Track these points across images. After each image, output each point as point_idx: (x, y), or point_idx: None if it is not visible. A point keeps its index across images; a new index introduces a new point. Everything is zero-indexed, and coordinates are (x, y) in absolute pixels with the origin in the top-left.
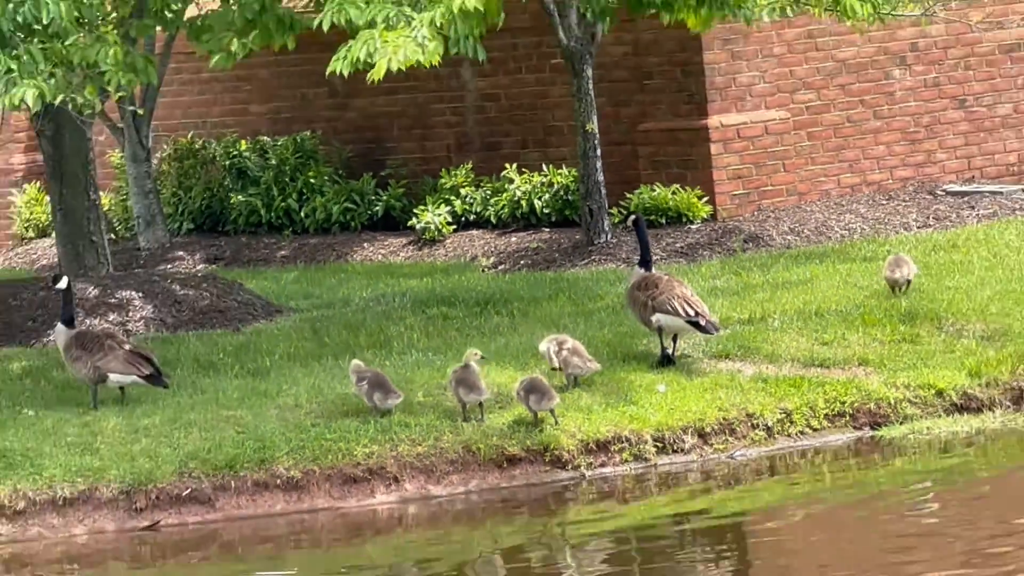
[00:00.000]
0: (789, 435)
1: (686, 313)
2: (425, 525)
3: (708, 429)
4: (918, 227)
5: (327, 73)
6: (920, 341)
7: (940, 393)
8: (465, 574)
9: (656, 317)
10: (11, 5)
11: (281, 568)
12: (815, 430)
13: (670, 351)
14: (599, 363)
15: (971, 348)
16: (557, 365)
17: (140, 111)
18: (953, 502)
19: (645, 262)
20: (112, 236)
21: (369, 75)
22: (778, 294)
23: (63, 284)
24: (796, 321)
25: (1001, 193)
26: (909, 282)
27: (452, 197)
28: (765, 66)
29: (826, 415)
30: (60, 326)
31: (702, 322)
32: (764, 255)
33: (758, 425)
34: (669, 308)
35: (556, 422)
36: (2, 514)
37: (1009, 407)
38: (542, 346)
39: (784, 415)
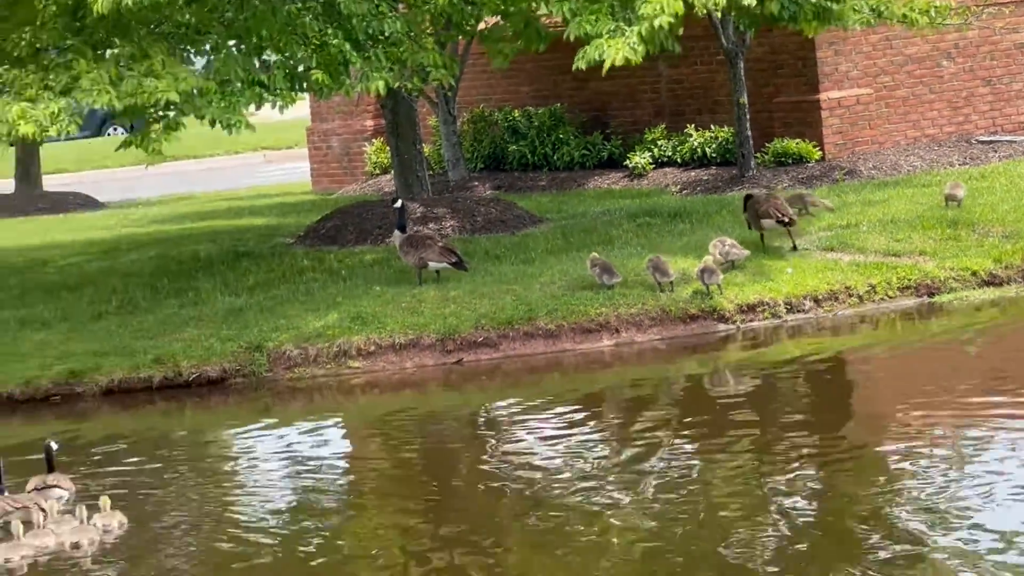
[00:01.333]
0: (873, 301)
1: (776, 215)
2: (635, 360)
3: (820, 296)
4: (959, 165)
5: (573, 68)
6: (960, 239)
7: (974, 273)
8: (660, 387)
9: (763, 222)
10: (364, 23)
11: (541, 385)
12: (891, 298)
13: (792, 245)
14: (748, 252)
15: (995, 243)
16: (720, 258)
17: (448, 92)
18: (981, 340)
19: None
20: (430, 172)
21: (604, 68)
22: (866, 208)
23: (398, 204)
24: (878, 226)
25: (1015, 142)
26: (960, 200)
27: (652, 146)
28: (857, 59)
29: (898, 287)
30: (396, 232)
31: (785, 220)
32: (856, 183)
33: (853, 294)
34: (769, 214)
35: (721, 292)
36: (359, 354)
37: (1020, 282)
38: (711, 244)
39: (870, 287)
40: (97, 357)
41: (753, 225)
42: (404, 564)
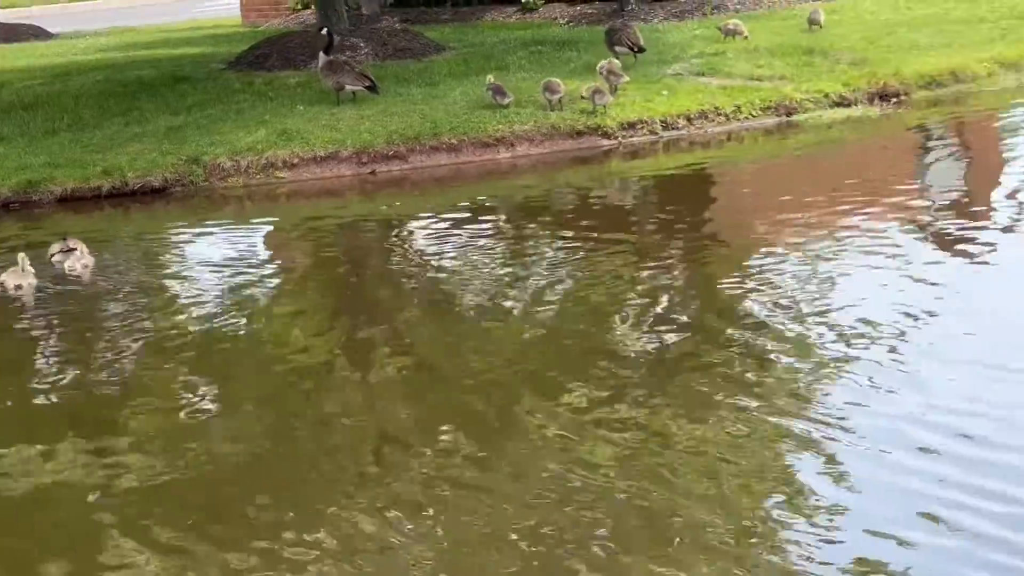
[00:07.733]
0: (739, 119)
1: (628, 42)
2: (530, 171)
3: (692, 115)
4: None
5: None
6: (815, 65)
7: (826, 95)
8: (550, 192)
9: (616, 48)
10: None
11: (445, 193)
12: (755, 117)
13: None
14: (628, 77)
15: (844, 69)
16: (604, 76)
17: None
18: (832, 151)
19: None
20: (347, 7)
21: None
22: (726, 39)
23: (324, 31)
24: (743, 54)
25: None
26: (821, 24)
27: None
28: None
29: (761, 108)
30: (321, 54)
31: (636, 48)
32: (723, 16)
33: (721, 114)
34: (622, 41)
35: (606, 111)
36: (285, 166)
37: (865, 103)
38: (599, 66)
39: (736, 107)
40: (51, 168)
41: (610, 51)
42: (307, 340)
